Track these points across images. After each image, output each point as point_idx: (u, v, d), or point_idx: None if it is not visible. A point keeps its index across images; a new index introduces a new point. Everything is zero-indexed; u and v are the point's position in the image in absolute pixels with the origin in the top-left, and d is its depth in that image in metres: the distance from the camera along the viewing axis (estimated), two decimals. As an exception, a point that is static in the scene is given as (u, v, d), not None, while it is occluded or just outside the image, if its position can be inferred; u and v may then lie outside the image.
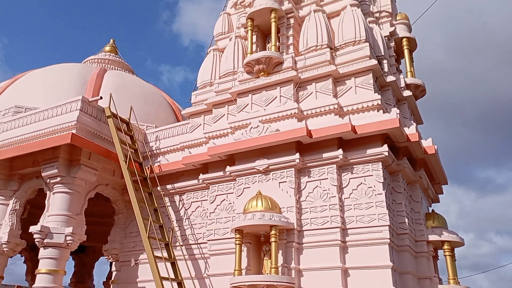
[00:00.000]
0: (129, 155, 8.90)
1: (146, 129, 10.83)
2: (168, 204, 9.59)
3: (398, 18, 10.76)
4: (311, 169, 7.89)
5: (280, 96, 8.75)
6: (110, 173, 9.59)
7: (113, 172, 9.62)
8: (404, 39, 10.38)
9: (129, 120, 9.98)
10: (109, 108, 9.42)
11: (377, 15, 10.59)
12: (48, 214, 8.64)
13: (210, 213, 8.68)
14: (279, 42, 9.39)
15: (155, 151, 10.30)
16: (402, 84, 9.60)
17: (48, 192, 8.97)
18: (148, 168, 9.49)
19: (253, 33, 9.53)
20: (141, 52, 44.79)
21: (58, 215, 8.56)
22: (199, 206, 9.26)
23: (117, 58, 14.77)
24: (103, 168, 9.27)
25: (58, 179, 8.71)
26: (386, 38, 10.07)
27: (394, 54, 10.19)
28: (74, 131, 8.72)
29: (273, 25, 9.25)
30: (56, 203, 8.68)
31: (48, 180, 8.87)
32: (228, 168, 8.43)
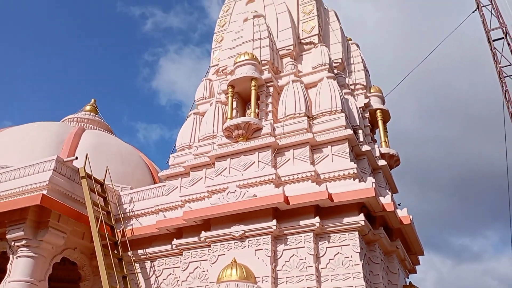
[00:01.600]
0: (101, 218, 8.62)
1: (121, 190, 10.61)
2: (139, 270, 9.16)
3: (372, 90, 11.29)
4: (287, 237, 7.78)
5: (258, 161, 8.82)
6: (79, 236, 9.20)
7: (82, 235, 9.23)
8: (378, 111, 10.82)
9: (104, 181, 9.79)
10: (84, 168, 9.26)
11: (352, 87, 11.10)
12: (9, 280, 8.09)
13: (182, 281, 8.32)
14: (258, 109, 9.64)
15: (128, 214, 10.02)
16: (377, 154, 9.85)
17: (11, 256, 8.47)
18: (120, 231, 9.16)
19: (234, 99, 9.79)
20: (119, 108, 45.13)
21: (19, 281, 8.03)
22: (171, 273, 8.87)
23: (97, 118, 14.80)
24: (72, 231, 8.90)
25: (23, 242, 8.28)
26: (361, 109, 10.48)
27: (369, 124, 10.57)
28: (45, 192, 8.46)
29: (253, 92, 9.54)
30: (19, 268, 8.17)
31: (12, 243, 8.41)
32: (203, 234, 8.23)
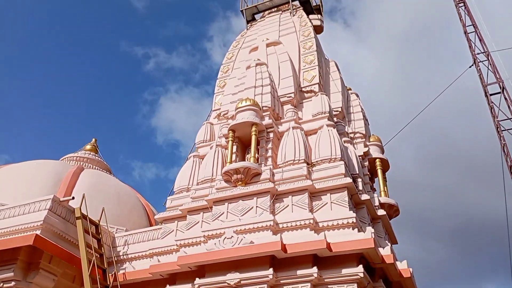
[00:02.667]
0: (93, 261, 8.40)
1: (116, 232, 10.42)
2: (129, 317, 8.81)
3: (371, 139, 11.39)
4: (284, 287, 7.54)
5: (257, 207, 8.73)
6: (70, 279, 8.93)
7: (73, 278, 8.97)
8: (377, 160, 10.85)
9: (99, 222, 9.64)
10: (80, 209, 9.15)
11: (351, 135, 11.21)
12: (-8, 324, 7.77)
13: (174, 330, 7.98)
14: (258, 154, 9.67)
15: (122, 257, 9.78)
16: (376, 203, 9.78)
17: (-3, 297, 8.19)
18: (112, 275, 8.91)
19: (234, 143, 9.85)
20: (117, 145, 45.25)
21: (3, 325, 7.71)
22: (162, 321, 8.53)
23: (96, 157, 14.82)
24: (63, 273, 8.66)
25: (12, 283, 8.04)
26: (360, 157, 10.52)
27: (368, 173, 10.57)
28: (38, 232, 8.31)
29: (253, 137, 9.61)
30: (4, 311, 7.87)
31: (1, 284, 8.15)
32: (197, 281, 7.99)
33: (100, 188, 12.19)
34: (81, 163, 14.27)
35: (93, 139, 15.63)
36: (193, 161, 10.82)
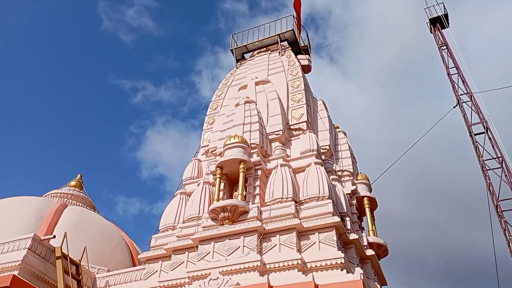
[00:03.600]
0: (72, 303, 8.03)
1: (97, 273, 10.05)
2: None
3: (359, 178, 11.40)
4: (271, 331, 7.26)
5: (244, 246, 8.53)
6: (47, 323, 8.49)
7: (50, 321, 8.53)
8: (365, 198, 10.81)
9: (80, 262, 9.30)
10: (61, 248, 8.84)
11: (339, 173, 11.20)
12: None
13: None
14: (246, 191, 9.57)
15: (102, 299, 9.38)
16: (365, 243, 9.65)
17: None
18: (92, 318, 8.50)
19: (221, 180, 9.75)
20: (101, 179, 44.31)
21: None
22: None
23: (81, 194, 14.52)
24: (39, 316, 8.23)
25: (-16, 327, 7.59)
26: (348, 195, 10.48)
27: (356, 211, 10.49)
28: (16, 273, 7.96)
29: (241, 175, 9.54)
30: None
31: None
32: (180, 325, 7.66)
33: (83, 226, 11.86)
34: (65, 199, 13.95)
35: (78, 175, 15.38)
36: (180, 198, 10.66)
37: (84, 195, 14.77)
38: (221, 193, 9.57)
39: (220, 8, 54.93)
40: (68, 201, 13.93)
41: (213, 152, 11.29)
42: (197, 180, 10.88)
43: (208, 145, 11.87)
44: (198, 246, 8.95)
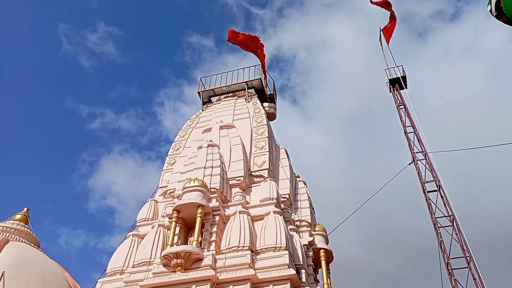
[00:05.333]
0: None
1: (33, 318, 9.26)
2: None
3: (316, 229, 11.42)
4: None
5: (195, 296, 8.18)
6: None
7: None
8: (321, 250, 10.79)
9: (16, 304, 8.56)
10: (-5, 288, 8.14)
11: (297, 223, 11.19)
12: None
13: None
14: (202, 237, 9.32)
15: None
16: (319, 297, 9.52)
17: None
18: None
19: (177, 224, 9.46)
20: (47, 208, 41.36)
21: None
22: None
23: (25, 229, 13.59)
24: None
25: None
26: (305, 246, 10.42)
27: (312, 263, 10.42)
28: None
29: (198, 220, 9.31)
30: None
31: None
32: None
33: (24, 264, 11.02)
34: (7, 234, 12.99)
35: (25, 208, 14.45)
36: (132, 240, 10.22)
37: (28, 230, 13.83)
38: (176, 237, 9.26)
39: (186, 41, 55.33)
40: (10, 236, 12.97)
41: (171, 194, 11.03)
42: (152, 222, 10.51)
43: (167, 186, 11.61)
44: (146, 293, 8.49)
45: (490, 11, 6.97)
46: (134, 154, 51.77)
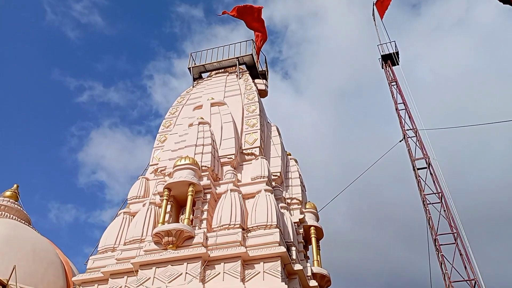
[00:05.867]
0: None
1: (25, 294, 9.32)
2: None
3: (307, 206, 11.51)
4: None
5: (186, 273, 8.27)
6: None
7: None
8: (312, 228, 10.91)
9: (8, 281, 8.60)
10: (-14, 267, 8.13)
11: (288, 201, 11.26)
12: None
13: None
14: (193, 215, 9.34)
15: (28, 324, 8.69)
16: (309, 273, 9.68)
17: None
18: None
19: (169, 202, 9.46)
20: (35, 182, 40.74)
21: None
22: None
23: (15, 206, 13.53)
24: None
25: None
26: (296, 224, 10.52)
27: (303, 240, 10.55)
28: None
29: (189, 198, 9.31)
30: None
31: None
32: None
33: (14, 241, 11.01)
34: (-3, 211, 12.95)
35: (15, 185, 14.35)
36: (123, 218, 10.22)
37: (19, 206, 13.78)
38: (167, 215, 9.27)
39: (175, 12, 53.80)
40: (0, 213, 12.95)
41: (162, 172, 10.98)
42: (143, 200, 10.50)
43: (157, 164, 11.55)
44: (138, 271, 8.56)
45: None
46: (124, 128, 51.14)
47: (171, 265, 8.43)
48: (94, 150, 48.47)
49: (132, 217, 10.23)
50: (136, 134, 50.36)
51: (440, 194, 15.17)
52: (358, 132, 43.96)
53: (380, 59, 20.81)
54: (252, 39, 15.68)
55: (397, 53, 20.62)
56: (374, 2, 21.67)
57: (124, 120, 51.21)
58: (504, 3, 6.70)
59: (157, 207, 9.85)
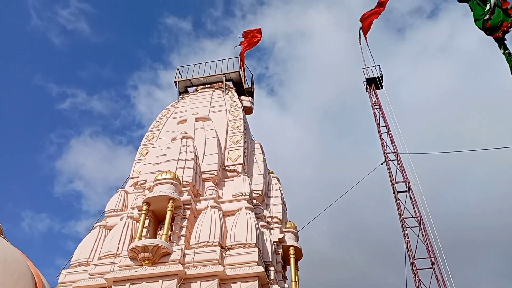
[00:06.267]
0: None
1: (-9, 308, 8.93)
2: None
3: (287, 226, 11.45)
4: None
5: (161, 291, 8.07)
6: None
7: None
8: (291, 248, 10.83)
9: (-27, 294, 8.23)
10: (-49, 278, 7.78)
11: (269, 219, 11.19)
12: None
13: None
14: (171, 231, 9.18)
15: None
16: (287, 295, 9.57)
17: None
18: None
19: (147, 217, 9.29)
20: (9, 188, 39.38)
21: None
22: None
23: (-12, 214, 13.11)
24: None
25: None
26: (275, 243, 10.43)
27: (282, 261, 10.46)
28: None
29: (168, 213, 9.16)
30: None
31: None
32: None
33: (-17, 251, 10.58)
34: (-33, 219, 12.46)
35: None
36: (99, 231, 9.99)
37: (-9, 215, 13.33)
38: (145, 230, 9.09)
39: (163, 23, 53.68)
40: (-30, 221, 12.46)
41: (142, 185, 10.82)
42: (121, 214, 10.29)
43: (138, 177, 11.39)
44: (111, 287, 8.32)
45: (487, 11, 7.03)
46: (105, 138, 50.23)
47: (146, 282, 8.23)
48: (74, 158, 47.39)
49: (108, 230, 10.01)
50: (118, 144, 49.61)
51: (419, 218, 15.32)
52: (340, 151, 44.38)
53: (365, 82, 21.18)
54: (238, 57, 15.81)
55: (381, 77, 21.01)
56: (360, 27, 22.12)
57: (106, 129, 50.39)
58: (487, 34, 6.96)
59: (135, 221, 9.66)
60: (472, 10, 7.41)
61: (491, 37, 6.97)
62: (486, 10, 7.14)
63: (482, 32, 7.34)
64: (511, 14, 6.91)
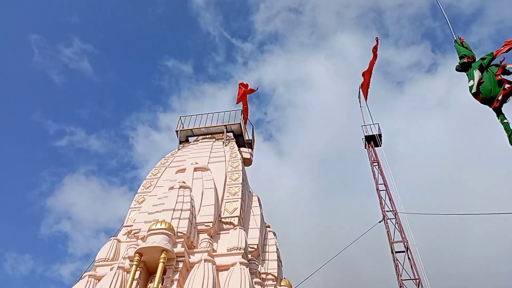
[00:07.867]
0: None
1: None
2: None
3: (282, 283, 11.10)
4: None
5: None
6: None
7: None
8: (286, 307, 10.43)
9: None
10: None
11: (263, 275, 10.86)
12: None
13: None
14: (162, 284, 8.86)
15: None
16: None
17: None
18: None
19: (138, 268, 9.00)
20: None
21: None
22: None
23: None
24: None
25: None
26: (269, 302, 10.06)
27: (275, 321, 10.02)
28: None
29: (160, 265, 8.88)
30: None
31: None
32: None
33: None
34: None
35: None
36: (87, 281, 9.63)
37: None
38: (135, 282, 8.76)
39: (164, 65, 54.44)
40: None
41: (135, 235, 10.58)
42: (112, 264, 9.97)
43: (132, 225, 11.16)
44: None
45: (471, 87, 7.22)
46: (100, 177, 49.77)
47: None
48: (66, 196, 46.53)
49: (97, 281, 9.65)
50: (111, 185, 49.06)
51: (418, 280, 14.88)
52: (337, 201, 43.87)
53: (364, 139, 21.42)
54: (240, 109, 16.11)
55: (380, 135, 21.30)
56: (360, 86, 22.75)
57: (101, 169, 50.03)
58: (474, 97, 7.11)
59: (126, 272, 9.35)
60: (469, 80, 7.55)
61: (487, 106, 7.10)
62: (469, 85, 7.28)
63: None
64: (504, 86, 7.02)
